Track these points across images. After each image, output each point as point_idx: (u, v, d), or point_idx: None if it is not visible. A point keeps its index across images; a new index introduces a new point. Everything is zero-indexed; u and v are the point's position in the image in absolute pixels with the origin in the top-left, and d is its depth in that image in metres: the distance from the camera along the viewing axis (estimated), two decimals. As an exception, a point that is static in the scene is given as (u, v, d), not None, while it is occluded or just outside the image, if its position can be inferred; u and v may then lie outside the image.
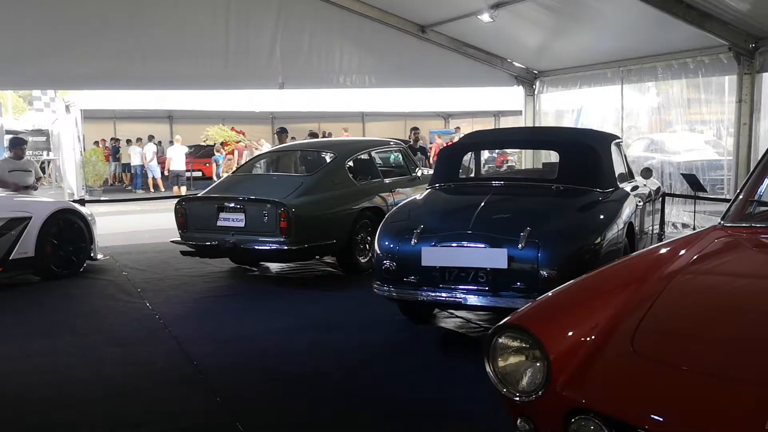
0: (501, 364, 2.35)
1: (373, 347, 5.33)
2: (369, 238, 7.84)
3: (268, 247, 7.16)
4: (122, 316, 6.27)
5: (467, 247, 4.82)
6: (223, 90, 15.04)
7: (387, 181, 8.53)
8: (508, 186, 5.89)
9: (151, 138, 22.37)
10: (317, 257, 7.99)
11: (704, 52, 9.40)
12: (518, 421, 2.34)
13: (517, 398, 2.28)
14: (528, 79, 13.37)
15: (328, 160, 8.24)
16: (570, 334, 2.35)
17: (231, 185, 8.20)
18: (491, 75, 13.22)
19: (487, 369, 2.37)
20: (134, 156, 22.91)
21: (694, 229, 9.16)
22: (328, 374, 4.73)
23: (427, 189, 6.23)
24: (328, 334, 5.68)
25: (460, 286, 4.84)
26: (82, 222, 7.88)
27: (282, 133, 12.77)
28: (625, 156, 6.35)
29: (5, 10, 9.50)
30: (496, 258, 4.65)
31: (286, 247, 7.08)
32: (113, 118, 25.13)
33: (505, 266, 4.62)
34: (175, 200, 8.14)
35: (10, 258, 7.04)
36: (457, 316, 5.97)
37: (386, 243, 5.22)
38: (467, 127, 28.38)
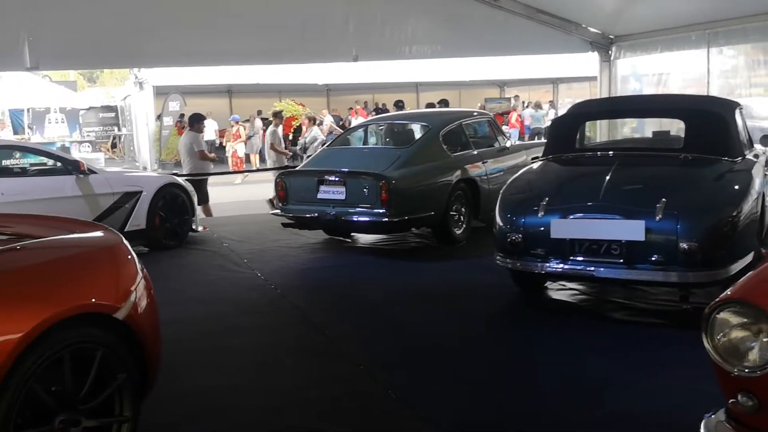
0: (722, 339, 2.38)
1: (492, 318, 5.42)
2: (463, 209, 7.88)
3: (369, 219, 7.25)
4: (237, 286, 6.45)
5: (600, 218, 4.80)
6: (299, 64, 15.16)
7: (476, 152, 8.51)
8: (631, 156, 5.80)
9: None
10: (414, 229, 8.06)
11: (800, 12, 9.08)
12: (738, 396, 2.37)
13: (744, 372, 2.31)
14: (604, 44, 13.07)
15: (423, 131, 8.25)
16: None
17: (328, 158, 8.28)
18: (565, 41, 12.94)
19: (706, 345, 2.40)
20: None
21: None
22: (466, 341, 4.83)
23: (534, 160, 6.21)
24: (444, 303, 5.72)
25: (592, 258, 4.82)
26: (185, 195, 8.11)
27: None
28: (745, 123, 6.21)
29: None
30: (632, 230, 4.61)
31: (386, 219, 7.16)
32: (180, 94, 25.37)
33: (643, 238, 4.59)
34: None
35: (125, 230, 7.30)
36: (570, 288, 5.95)
37: (509, 215, 5.22)
38: (524, 95, 27.97)
